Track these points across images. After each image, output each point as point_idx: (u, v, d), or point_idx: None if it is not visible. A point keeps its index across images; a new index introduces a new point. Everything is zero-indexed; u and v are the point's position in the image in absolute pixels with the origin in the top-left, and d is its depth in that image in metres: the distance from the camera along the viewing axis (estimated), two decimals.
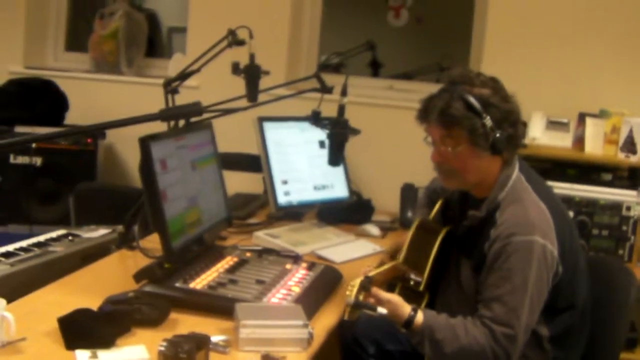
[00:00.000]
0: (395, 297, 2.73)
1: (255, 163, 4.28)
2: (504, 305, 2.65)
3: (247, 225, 4.05)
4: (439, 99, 2.79)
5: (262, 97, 3.64)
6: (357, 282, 2.62)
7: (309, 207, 4.28)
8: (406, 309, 2.71)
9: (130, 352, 2.40)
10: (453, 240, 3.00)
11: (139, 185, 5.05)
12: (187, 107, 2.56)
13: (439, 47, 6.05)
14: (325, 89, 3.51)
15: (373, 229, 4.15)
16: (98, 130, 5.09)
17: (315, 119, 3.42)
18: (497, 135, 2.72)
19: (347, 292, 2.61)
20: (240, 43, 3.57)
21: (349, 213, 4.33)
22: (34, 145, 5.00)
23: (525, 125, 4.26)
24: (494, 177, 2.84)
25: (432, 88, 2.93)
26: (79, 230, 3.80)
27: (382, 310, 2.61)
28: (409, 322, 2.70)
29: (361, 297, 2.61)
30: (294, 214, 4.25)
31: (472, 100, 2.71)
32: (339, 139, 3.34)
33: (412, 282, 2.87)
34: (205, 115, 3.17)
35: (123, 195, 4.83)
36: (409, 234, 3.06)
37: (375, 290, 2.69)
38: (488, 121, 2.71)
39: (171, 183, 3.01)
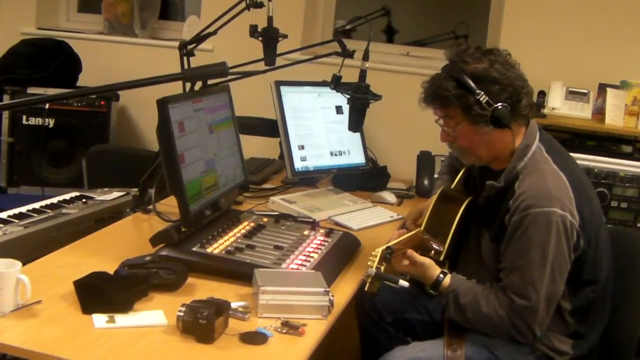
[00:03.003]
0: (427, 260, 2.77)
1: (270, 127, 4.24)
2: (522, 277, 2.65)
3: (262, 190, 4.01)
4: (433, 81, 2.81)
5: (278, 62, 3.61)
6: (378, 253, 2.59)
7: (324, 173, 4.23)
8: (436, 271, 2.77)
9: (148, 317, 2.38)
10: (475, 210, 2.96)
11: (151, 147, 5.09)
12: (212, 67, 2.49)
13: (455, 15, 5.96)
14: (346, 53, 3.47)
15: (389, 196, 4.10)
16: (115, 91, 5.08)
17: (336, 83, 3.36)
18: (498, 108, 2.69)
19: (369, 263, 2.59)
20: (259, 5, 3.53)
21: (364, 180, 4.27)
22: (46, 106, 4.97)
23: (543, 94, 4.27)
24: (510, 149, 2.81)
25: None
26: (92, 193, 3.77)
27: (403, 282, 2.58)
28: (436, 283, 2.76)
29: (382, 268, 2.57)
30: (309, 179, 4.21)
31: (464, 77, 2.70)
32: (360, 104, 3.28)
33: (432, 252, 2.84)
34: (223, 78, 3.12)
35: (136, 158, 4.82)
36: (431, 202, 3.03)
37: (411, 252, 2.74)
38: (483, 97, 2.69)
39: (189, 146, 2.96)
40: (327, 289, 2.52)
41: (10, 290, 2.31)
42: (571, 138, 4.24)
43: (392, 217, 3.79)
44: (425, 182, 4.25)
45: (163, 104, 2.82)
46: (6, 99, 5.02)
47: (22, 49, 5.35)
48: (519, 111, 2.75)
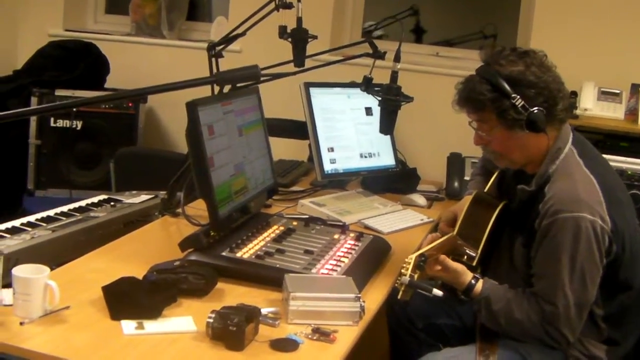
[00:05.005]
0: (460, 266, 2.74)
1: (299, 129, 4.20)
2: (551, 283, 2.62)
3: (291, 192, 3.98)
4: (467, 83, 2.75)
5: (307, 63, 3.57)
6: (412, 260, 2.55)
7: (354, 175, 4.19)
8: (468, 276, 2.74)
9: (178, 323, 2.36)
10: (508, 215, 2.92)
11: (179, 150, 5.07)
12: (244, 70, 2.45)
13: (483, 14, 5.91)
14: (378, 54, 3.43)
15: (419, 199, 4.06)
16: (145, 95, 5.04)
17: (368, 85, 3.33)
18: (534, 112, 2.64)
19: (402, 271, 2.55)
20: (288, 6, 3.49)
21: (394, 182, 4.23)
22: (74, 108, 4.97)
23: (575, 94, 4.21)
24: (544, 153, 2.76)
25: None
26: (120, 196, 3.75)
27: (437, 292, 2.55)
28: (468, 289, 2.73)
29: (416, 277, 2.54)
30: (338, 182, 4.17)
31: (499, 81, 2.65)
32: (391, 106, 3.25)
33: (465, 257, 2.80)
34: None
35: (163, 161, 4.81)
36: (465, 206, 2.99)
37: (444, 257, 2.70)
38: (518, 101, 2.63)
39: (218, 149, 2.93)
40: (359, 295, 2.49)
41: (38, 296, 2.30)
42: (603, 139, 4.18)
43: (422, 220, 3.76)
44: (456, 184, 4.21)
45: (192, 107, 2.79)
46: (34, 101, 5.03)
47: (50, 50, 5.36)
48: (555, 115, 2.70)
